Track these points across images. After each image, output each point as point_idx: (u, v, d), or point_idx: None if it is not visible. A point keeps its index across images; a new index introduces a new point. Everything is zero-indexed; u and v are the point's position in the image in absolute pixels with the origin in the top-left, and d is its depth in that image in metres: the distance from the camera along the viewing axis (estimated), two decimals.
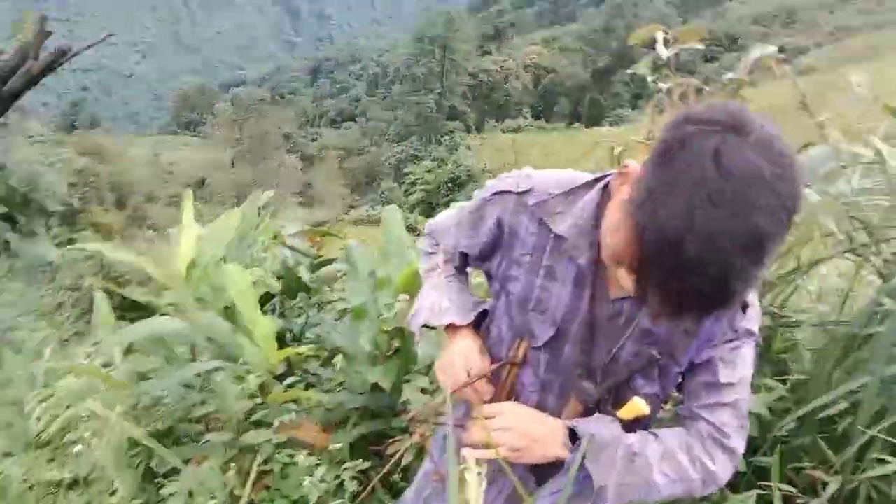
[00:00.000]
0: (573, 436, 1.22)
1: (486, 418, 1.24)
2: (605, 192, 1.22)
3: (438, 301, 1.42)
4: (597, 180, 1.25)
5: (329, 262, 3.06)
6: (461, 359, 1.32)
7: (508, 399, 1.33)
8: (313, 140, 58.14)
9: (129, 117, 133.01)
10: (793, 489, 1.78)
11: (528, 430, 1.20)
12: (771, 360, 2.19)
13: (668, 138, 0.94)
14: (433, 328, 1.43)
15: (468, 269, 1.54)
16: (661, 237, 0.88)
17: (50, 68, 4.12)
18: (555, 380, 1.30)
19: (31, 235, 4.45)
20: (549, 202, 1.25)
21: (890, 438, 1.71)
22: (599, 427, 1.22)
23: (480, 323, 1.43)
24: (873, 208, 2.09)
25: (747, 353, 1.25)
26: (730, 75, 2.39)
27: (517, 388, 1.34)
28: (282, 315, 3.15)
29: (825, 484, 1.76)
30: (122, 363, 2.59)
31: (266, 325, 2.61)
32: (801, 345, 2.20)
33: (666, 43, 2.24)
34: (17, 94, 4.17)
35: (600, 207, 1.20)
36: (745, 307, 1.23)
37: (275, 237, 3.33)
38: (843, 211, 2.07)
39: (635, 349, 1.23)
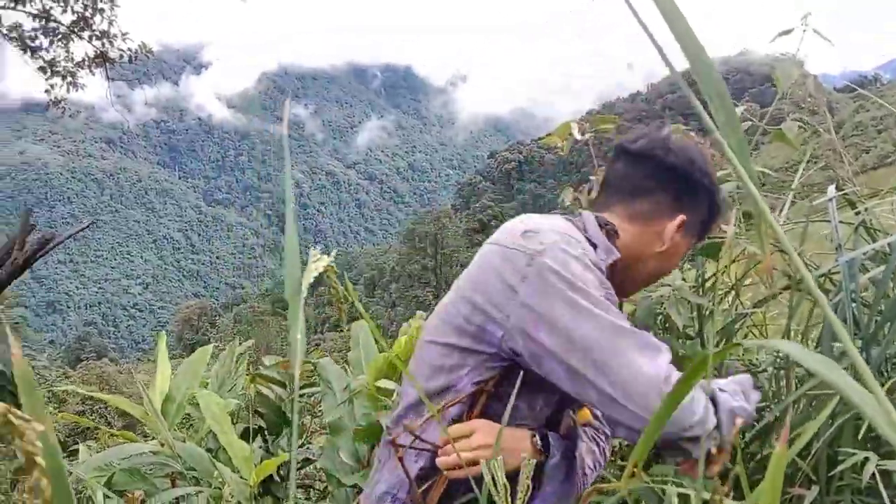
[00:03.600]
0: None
1: (460, 438, 1.32)
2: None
3: None
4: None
5: (308, 386, 3.10)
6: None
7: None
8: (317, 345, 58.56)
9: (134, 346, 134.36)
10: None
11: (501, 442, 1.26)
12: None
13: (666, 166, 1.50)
14: None
15: None
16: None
17: (34, 258, 4.35)
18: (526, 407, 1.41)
19: None
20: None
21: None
22: (554, 435, 1.42)
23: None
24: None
25: None
26: None
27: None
28: (267, 451, 3.12)
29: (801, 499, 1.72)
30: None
31: (242, 448, 2.61)
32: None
33: (582, 132, 2.50)
34: (2, 285, 4.37)
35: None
36: None
37: (253, 379, 3.38)
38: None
39: None
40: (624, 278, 1.45)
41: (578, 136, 2.38)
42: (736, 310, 1.92)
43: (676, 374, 1.22)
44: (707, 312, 1.84)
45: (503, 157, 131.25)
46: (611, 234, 1.43)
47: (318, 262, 1.04)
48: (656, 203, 1.46)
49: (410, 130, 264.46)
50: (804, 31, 1.81)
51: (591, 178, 2.65)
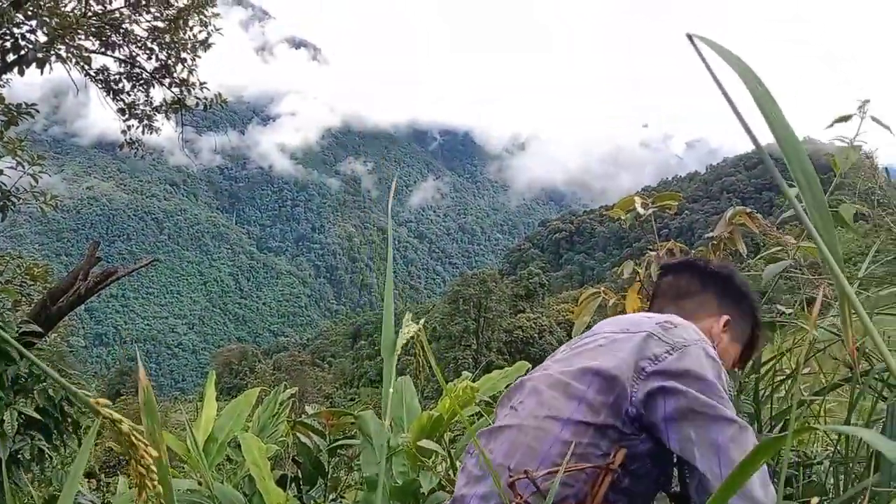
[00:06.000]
0: None
1: None
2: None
3: None
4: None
5: (348, 438, 3.09)
6: None
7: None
8: (351, 400, 58.19)
9: (174, 384, 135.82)
10: None
11: None
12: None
13: (740, 290, 1.72)
14: None
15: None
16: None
17: (95, 290, 4.49)
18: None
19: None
20: None
21: None
22: None
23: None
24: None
25: None
26: (709, 234, 2.61)
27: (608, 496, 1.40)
28: (300, 501, 3.11)
29: None
30: None
31: (278, 495, 2.60)
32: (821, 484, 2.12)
33: (644, 206, 2.51)
34: (63, 314, 4.51)
35: None
36: None
37: (294, 427, 3.39)
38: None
39: None
40: None
41: (641, 211, 2.40)
42: (792, 398, 1.87)
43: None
44: (763, 397, 1.80)
45: (554, 226, 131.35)
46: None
47: (411, 329, 1.12)
48: (701, 302, 1.66)
49: (464, 193, 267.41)
50: (862, 118, 1.81)
51: (651, 251, 2.65)
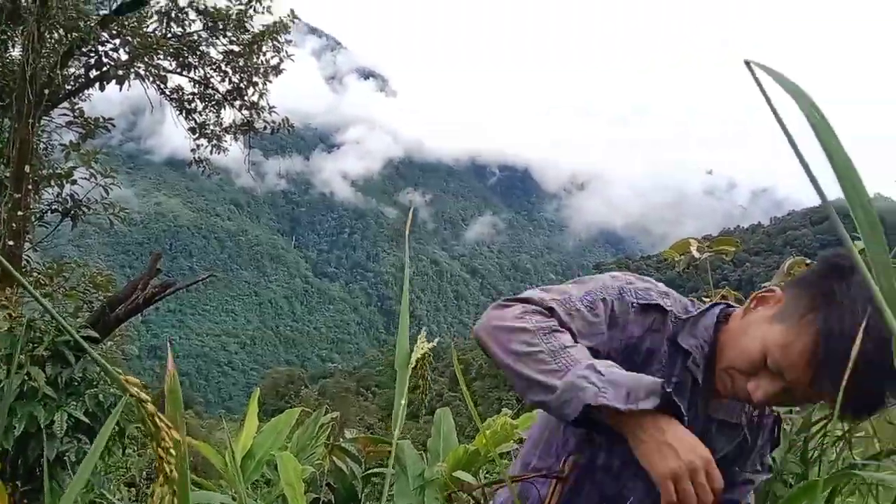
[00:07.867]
0: None
1: None
2: (722, 320, 1.37)
3: (614, 377, 1.15)
4: (707, 310, 1.40)
5: (380, 467, 3.08)
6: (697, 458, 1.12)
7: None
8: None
9: (221, 402, 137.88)
10: None
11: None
12: None
13: (827, 266, 1.21)
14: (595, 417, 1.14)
15: None
16: (844, 340, 1.04)
17: (152, 300, 4.62)
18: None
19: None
20: (681, 322, 1.37)
21: None
22: None
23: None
24: None
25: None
26: (766, 284, 2.54)
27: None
28: None
29: None
30: None
31: None
32: None
33: (700, 250, 2.46)
34: (120, 321, 4.65)
35: (716, 332, 1.35)
36: (776, 444, 1.49)
37: (331, 451, 3.39)
38: None
39: None
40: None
41: (696, 255, 2.34)
42: (843, 462, 1.78)
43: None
44: (812, 458, 1.72)
45: (609, 270, 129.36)
46: (720, 317, 1.37)
47: (425, 345, 1.11)
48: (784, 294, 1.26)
49: (520, 230, 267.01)
50: None
51: (705, 299, 2.58)
